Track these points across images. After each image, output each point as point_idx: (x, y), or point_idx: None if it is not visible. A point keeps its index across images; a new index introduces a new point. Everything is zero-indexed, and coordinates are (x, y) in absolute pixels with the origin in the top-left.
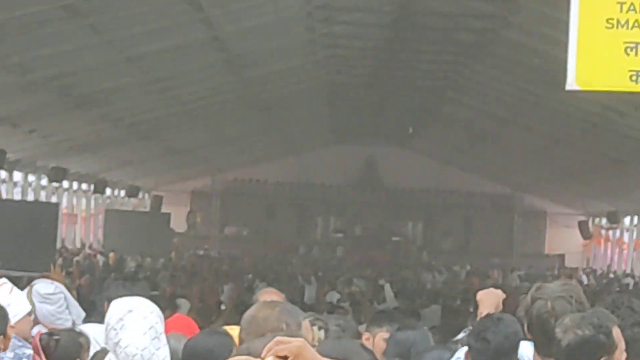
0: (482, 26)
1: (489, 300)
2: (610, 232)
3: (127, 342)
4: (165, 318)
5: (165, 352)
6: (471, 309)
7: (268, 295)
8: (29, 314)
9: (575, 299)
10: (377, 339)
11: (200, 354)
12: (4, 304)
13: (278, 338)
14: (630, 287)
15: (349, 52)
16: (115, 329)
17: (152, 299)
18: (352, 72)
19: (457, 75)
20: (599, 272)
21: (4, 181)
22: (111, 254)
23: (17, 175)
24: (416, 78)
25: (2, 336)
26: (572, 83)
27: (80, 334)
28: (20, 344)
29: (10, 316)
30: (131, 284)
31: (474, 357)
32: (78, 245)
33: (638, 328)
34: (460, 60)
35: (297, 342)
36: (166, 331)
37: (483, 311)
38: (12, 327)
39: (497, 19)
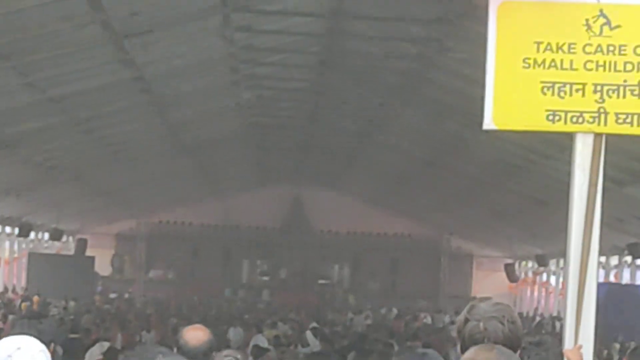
0: (409, 67)
1: None
2: (537, 276)
3: None
4: None
5: None
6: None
7: (194, 330)
8: None
9: (508, 319)
10: None
11: None
12: None
13: None
14: (558, 330)
15: (273, 93)
16: None
17: (72, 341)
18: (277, 114)
19: (383, 117)
20: (525, 315)
21: None
22: (35, 298)
23: None
24: (342, 119)
25: None
26: (490, 123)
27: None
28: None
29: None
30: (37, 322)
31: None
32: (1, 289)
33: None
34: (387, 101)
35: None
36: None
37: None
38: None
39: (423, 60)
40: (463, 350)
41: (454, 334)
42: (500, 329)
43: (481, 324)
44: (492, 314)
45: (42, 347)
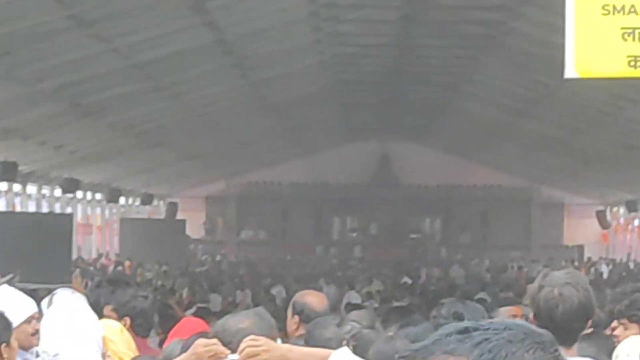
0: (492, 18)
1: None
2: (630, 222)
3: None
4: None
5: None
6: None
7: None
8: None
9: (582, 286)
10: None
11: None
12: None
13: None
14: None
15: (357, 50)
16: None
17: (167, 306)
18: (362, 70)
19: (469, 69)
20: (618, 261)
21: (17, 194)
22: (127, 263)
23: (31, 188)
24: (427, 73)
25: (4, 344)
26: (571, 71)
27: None
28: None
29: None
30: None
31: None
32: (94, 255)
33: None
34: (471, 53)
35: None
36: (178, 335)
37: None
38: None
39: (506, 10)
40: (537, 317)
41: (527, 301)
42: (575, 295)
43: (555, 290)
44: (567, 280)
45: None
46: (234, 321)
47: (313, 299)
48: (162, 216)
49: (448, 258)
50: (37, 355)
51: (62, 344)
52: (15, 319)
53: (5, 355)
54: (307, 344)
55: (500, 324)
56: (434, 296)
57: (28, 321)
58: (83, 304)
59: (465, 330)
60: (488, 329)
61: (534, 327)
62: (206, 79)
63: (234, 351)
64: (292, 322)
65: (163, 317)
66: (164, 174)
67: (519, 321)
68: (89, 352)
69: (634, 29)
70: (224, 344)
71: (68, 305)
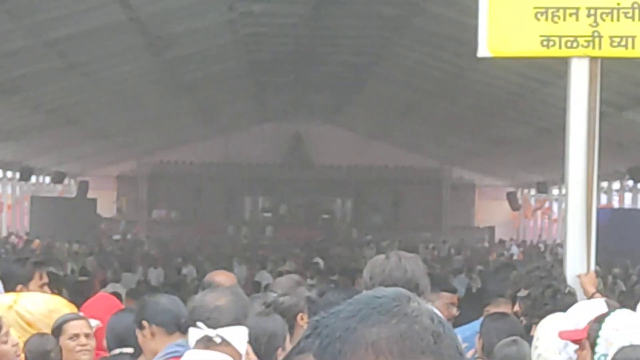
0: None
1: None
2: (540, 203)
3: None
4: None
5: None
6: None
7: (218, 276)
8: None
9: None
10: None
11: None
12: None
13: None
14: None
15: (270, 29)
16: None
17: (81, 284)
18: (275, 50)
19: (380, 50)
20: (529, 243)
21: None
22: (36, 241)
23: None
24: (339, 53)
25: None
26: (484, 50)
27: None
28: None
29: None
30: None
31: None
32: (4, 233)
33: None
34: (383, 34)
35: None
36: (91, 310)
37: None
38: None
39: None
40: None
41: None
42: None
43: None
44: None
45: None
46: (211, 298)
47: (222, 279)
48: (74, 195)
49: (359, 239)
50: None
51: None
52: None
53: None
54: None
55: (347, 302)
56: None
57: None
58: None
59: (316, 324)
60: (333, 312)
61: (380, 292)
62: (118, 57)
63: (210, 327)
64: None
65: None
66: (75, 152)
67: (368, 293)
68: None
69: (547, 8)
70: (202, 320)
71: None
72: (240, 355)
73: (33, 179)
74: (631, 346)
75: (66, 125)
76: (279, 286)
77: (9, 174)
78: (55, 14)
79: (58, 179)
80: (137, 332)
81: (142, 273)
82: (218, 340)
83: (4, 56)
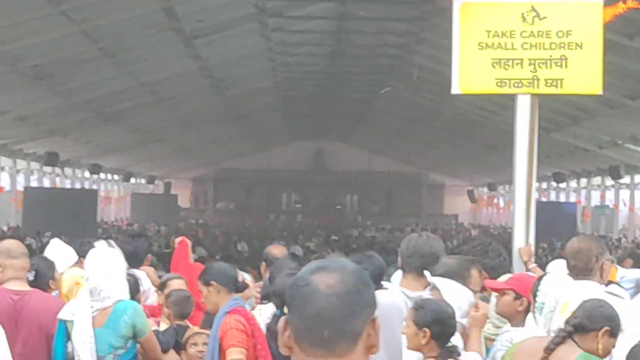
0: (396, 53)
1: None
2: (490, 198)
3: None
4: None
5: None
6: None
7: (275, 248)
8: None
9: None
10: None
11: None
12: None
13: None
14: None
15: (300, 75)
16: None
17: (165, 254)
18: (303, 89)
19: (379, 89)
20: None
21: (57, 175)
22: (135, 224)
23: (67, 171)
24: (350, 91)
25: (51, 280)
26: (456, 88)
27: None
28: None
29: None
30: (134, 240)
31: None
32: (112, 219)
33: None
34: (381, 78)
35: None
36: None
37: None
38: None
39: (406, 48)
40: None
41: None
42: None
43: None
44: (429, 237)
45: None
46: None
47: (274, 250)
48: (161, 192)
49: (362, 223)
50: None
51: (106, 283)
52: (63, 266)
53: (52, 287)
54: (270, 281)
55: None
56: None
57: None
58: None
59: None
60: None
61: (326, 261)
62: (192, 94)
63: None
64: (261, 267)
65: (161, 262)
66: (162, 162)
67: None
68: (125, 290)
69: (500, 59)
70: None
71: (108, 253)
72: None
73: (132, 180)
74: (591, 299)
75: (156, 143)
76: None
77: (116, 177)
78: (149, 64)
79: (150, 180)
80: (204, 288)
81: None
82: None
83: (113, 94)
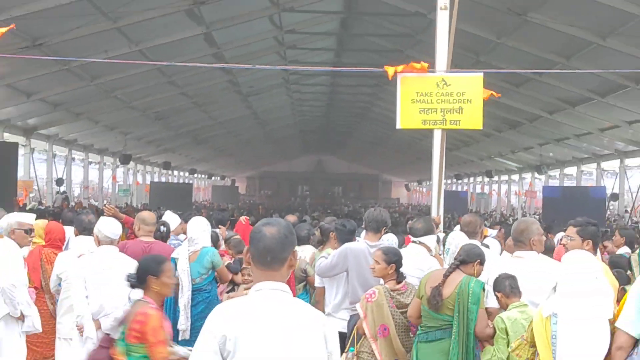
0: (364, 105)
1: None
2: (419, 187)
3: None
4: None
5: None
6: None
7: (291, 217)
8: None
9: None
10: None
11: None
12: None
13: None
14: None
15: (307, 109)
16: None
17: (232, 221)
18: (311, 118)
19: (357, 123)
20: (414, 204)
21: (169, 175)
22: (215, 204)
23: (175, 172)
24: (339, 125)
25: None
26: (399, 125)
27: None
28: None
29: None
30: (220, 212)
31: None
32: (200, 200)
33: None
34: (358, 114)
35: None
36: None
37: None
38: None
39: (371, 101)
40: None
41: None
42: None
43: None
44: (380, 210)
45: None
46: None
47: (291, 218)
48: (229, 184)
49: (344, 202)
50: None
51: (197, 236)
52: (173, 225)
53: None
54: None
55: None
56: (343, 217)
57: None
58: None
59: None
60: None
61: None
62: (247, 131)
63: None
64: None
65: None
66: (230, 167)
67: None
68: (208, 240)
69: (424, 108)
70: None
71: (198, 219)
72: (430, 249)
73: (212, 178)
74: (468, 244)
75: (225, 156)
76: (325, 221)
77: (203, 176)
78: (221, 106)
79: (222, 178)
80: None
81: (255, 216)
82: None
83: (201, 128)
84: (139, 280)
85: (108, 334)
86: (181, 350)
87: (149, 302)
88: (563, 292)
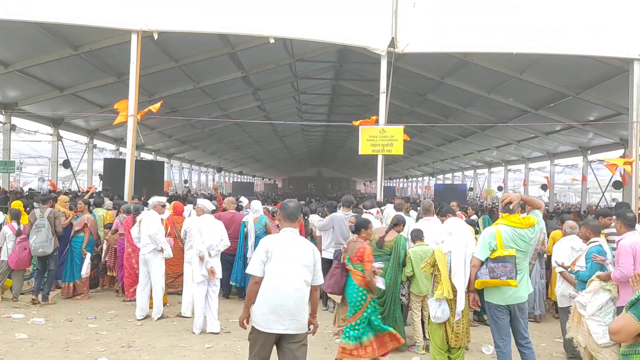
0: (342, 141)
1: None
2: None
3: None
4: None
5: None
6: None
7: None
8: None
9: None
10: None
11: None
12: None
13: None
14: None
15: (312, 134)
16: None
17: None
18: (315, 145)
19: (340, 147)
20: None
21: (223, 176)
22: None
23: (229, 174)
24: (330, 150)
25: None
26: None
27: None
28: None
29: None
30: (256, 197)
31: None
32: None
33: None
34: (339, 144)
35: None
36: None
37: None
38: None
39: (348, 134)
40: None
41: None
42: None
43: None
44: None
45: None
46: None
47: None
48: (270, 183)
49: (331, 195)
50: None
51: (257, 208)
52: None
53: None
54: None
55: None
56: (331, 200)
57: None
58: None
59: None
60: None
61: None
62: (269, 146)
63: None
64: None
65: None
66: (268, 171)
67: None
68: (262, 211)
69: (373, 142)
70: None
71: (255, 201)
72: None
73: (259, 179)
74: (397, 214)
75: (256, 162)
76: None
77: (255, 179)
78: (242, 109)
79: (265, 179)
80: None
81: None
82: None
83: (235, 140)
84: (357, 229)
85: (340, 262)
86: (376, 264)
87: (362, 242)
88: (452, 239)
